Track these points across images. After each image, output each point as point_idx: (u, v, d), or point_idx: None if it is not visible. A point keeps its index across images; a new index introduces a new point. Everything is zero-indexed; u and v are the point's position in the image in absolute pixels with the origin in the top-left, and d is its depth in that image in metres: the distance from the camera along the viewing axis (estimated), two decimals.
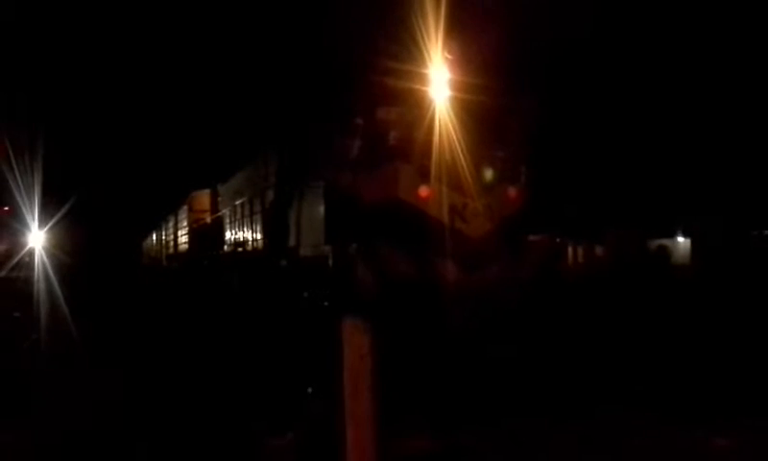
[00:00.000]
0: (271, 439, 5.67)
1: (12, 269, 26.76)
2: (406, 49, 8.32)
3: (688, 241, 20.63)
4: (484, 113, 8.68)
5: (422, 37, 8.22)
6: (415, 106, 8.55)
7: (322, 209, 9.57)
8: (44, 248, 29.58)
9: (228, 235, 16.90)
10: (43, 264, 24.41)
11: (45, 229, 33.00)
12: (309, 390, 6.90)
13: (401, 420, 5.37)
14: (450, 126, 8.37)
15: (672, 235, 20.76)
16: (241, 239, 15.29)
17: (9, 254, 30.04)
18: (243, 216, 15.09)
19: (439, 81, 8.44)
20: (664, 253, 20.34)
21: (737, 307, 12.16)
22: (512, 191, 8.88)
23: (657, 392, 7.11)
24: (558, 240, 11.72)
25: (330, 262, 9.15)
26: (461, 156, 8.36)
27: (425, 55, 8.29)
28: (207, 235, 19.45)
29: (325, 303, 9.29)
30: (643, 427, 6.06)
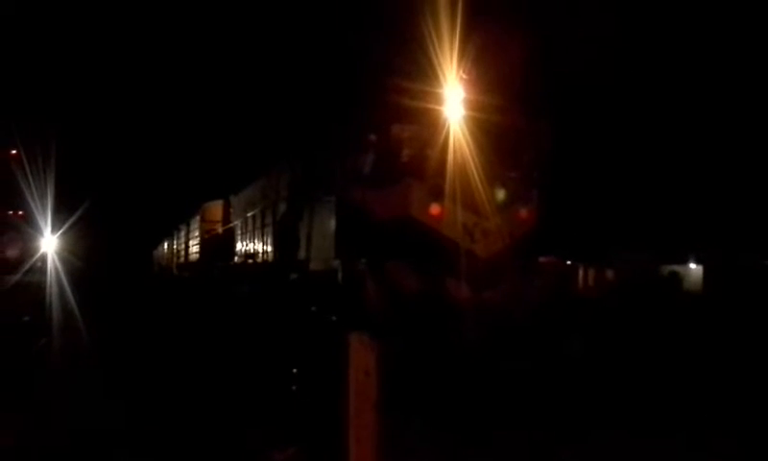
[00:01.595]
0: (273, 452, 5.66)
1: (26, 273, 26.97)
2: (422, 68, 8.38)
3: (701, 268, 20.50)
4: (497, 134, 8.70)
5: (438, 57, 8.28)
6: (429, 124, 8.59)
7: (333, 224, 9.59)
8: (57, 253, 29.81)
9: (239, 247, 16.96)
10: (56, 269, 24.60)
11: (58, 234, 33.29)
12: (313, 403, 6.90)
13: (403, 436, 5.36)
14: (464, 145, 8.40)
15: (684, 262, 20.65)
16: (252, 251, 15.33)
17: (22, 259, 30.30)
18: (254, 228, 15.14)
19: (453, 100, 8.48)
20: (676, 279, 20.22)
21: (747, 335, 12.06)
22: (523, 212, 8.87)
23: (658, 414, 7.05)
24: (568, 262, 11.68)
25: (340, 277, 9.15)
26: (473, 175, 8.38)
27: (441, 74, 8.35)
28: (218, 246, 19.52)
29: (333, 318, 9.28)
30: (641, 451, 6.01)
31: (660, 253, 18.81)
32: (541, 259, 9.48)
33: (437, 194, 8.38)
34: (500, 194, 8.75)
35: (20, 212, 33.08)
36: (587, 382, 8.01)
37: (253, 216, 15.25)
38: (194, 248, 24.16)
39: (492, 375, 7.37)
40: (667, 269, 20.24)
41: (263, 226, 14.20)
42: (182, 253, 27.89)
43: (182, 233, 27.98)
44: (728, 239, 18.68)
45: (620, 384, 8.10)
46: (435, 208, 8.39)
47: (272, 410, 6.97)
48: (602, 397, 7.49)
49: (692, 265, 20.58)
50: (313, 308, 10.20)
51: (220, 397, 7.61)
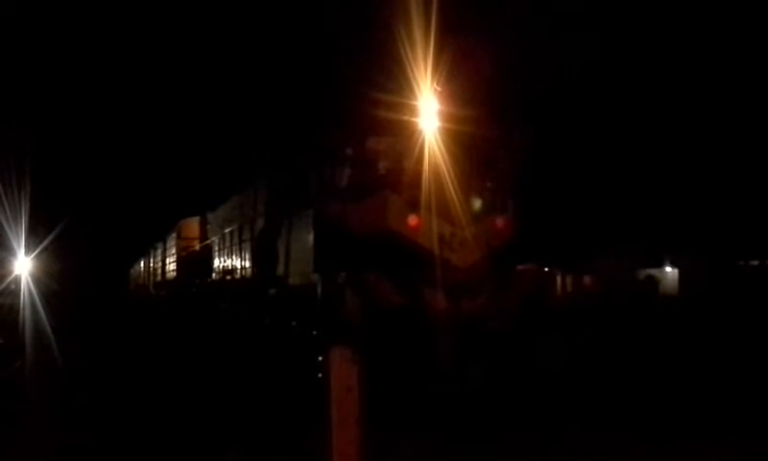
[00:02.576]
0: None
1: None
2: (396, 80, 8.43)
3: (676, 271, 20.78)
4: (472, 144, 8.77)
5: (412, 69, 8.33)
6: (404, 136, 8.63)
7: (311, 238, 9.56)
8: (31, 274, 29.29)
9: (217, 263, 16.84)
10: (29, 291, 24.16)
11: (32, 255, 32.72)
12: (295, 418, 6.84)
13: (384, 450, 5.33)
14: (439, 156, 8.44)
15: (660, 265, 20.92)
16: (230, 267, 15.23)
17: None
18: (232, 244, 15.06)
19: (428, 112, 8.53)
20: (652, 282, 20.48)
21: (722, 335, 12.25)
22: (500, 221, 8.93)
23: (636, 414, 7.11)
24: (546, 270, 11.77)
25: (319, 291, 9.12)
26: (449, 186, 8.42)
27: (415, 86, 8.39)
28: (196, 263, 19.37)
29: (314, 332, 9.24)
30: (621, 450, 6.06)
31: (637, 257, 19.04)
32: (519, 268, 9.54)
33: (414, 205, 8.41)
34: (476, 204, 8.81)
35: None
36: (567, 389, 8.05)
37: (231, 232, 15.17)
38: (171, 266, 23.94)
39: (470, 385, 7.39)
40: (644, 273, 20.49)
41: (241, 241, 14.12)
42: (159, 271, 27.62)
43: (159, 251, 27.72)
44: (702, 241, 18.98)
45: (601, 390, 8.16)
46: (412, 220, 8.42)
47: (251, 427, 6.90)
48: (583, 403, 7.53)
49: (668, 268, 20.88)
50: (293, 323, 10.15)
51: (198, 414, 7.51)
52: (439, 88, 8.45)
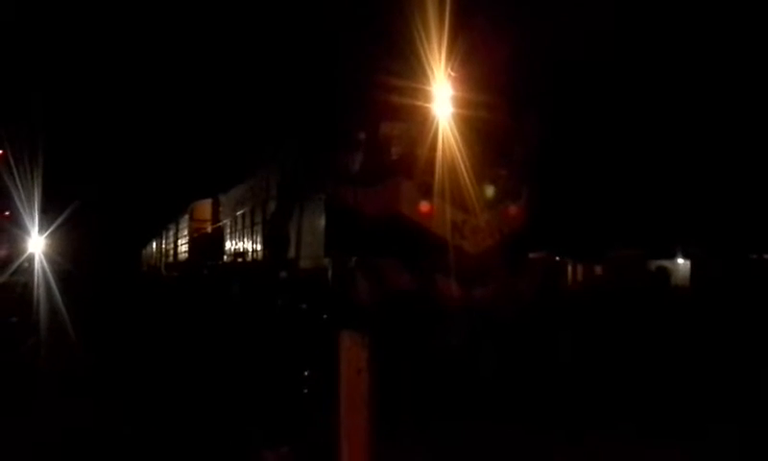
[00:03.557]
0: (267, 452, 5.65)
1: (12, 274, 26.75)
2: (410, 66, 8.38)
3: (688, 263, 20.65)
4: (486, 130, 8.72)
5: (426, 55, 8.28)
6: (417, 122, 8.59)
7: (322, 222, 9.57)
8: (44, 253, 29.59)
9: (229, 245, 16.91)
10: (43, 269, 24.42)
11: (45, 234, 33.03)
12: (306, 401, 6.89)
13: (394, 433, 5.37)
14: (453, 142, 8.40)
15: (672, 257, 20.80)
16: (241, 250, 15.29)
17: (8, 260, 30.04)
18: (244, 227, 15.11)
19: (442, 97, 8.48)
20: (664, 274, 20.36)
21: (734, 328, 12.17)
22: (513, 209, 8.89)
23: (646, 410, 7.09)
24: (558, 258, 11.72)
25: (330, 275, 9.14)
26: (462, 172, 8.39)
27: (429, 72, 8.35)
28: (208, 245, 19.46)
29: (324, 316, 9.28)
30: (632, 447, 6.05)
31: (649, 248, 18.93)
32: (532, 255, 9.51)
33: (426, 191, 8.38)
34: (489, 191, 8.76)
35: (6, 213, 32.79)
36: (578, 380, 8.05)
37: (243, 215, 15.21)
38: (183, 247, 24.07)
39: (481, 372, 7.39)
40: (655, 264, 20.39)
41: (253, 224, 14.17)
42: (171, 252, 27.77)
43: (171, 233, 27.86)
44: (714, 233, 18.83)
45: (612, 382, 8.14)
46: (424, 206, 8.39)
47: (264, 410, 6.96)
48: (594, 395, 7.52)
49: (680, 260, 20.75)
50: (303, 306, 10.19)
51: (212, 396, 7.58)
52: (453, 74, 8.40)
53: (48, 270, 24.49)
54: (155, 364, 9.52)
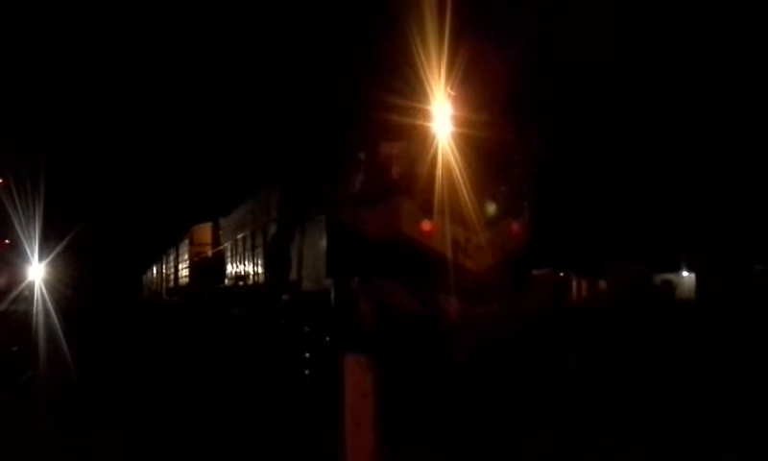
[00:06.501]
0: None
1: (12, 303, 26.61)
2: (409, 84, 8.36)
3: (693, 276, 20.55)
4: (486, 148, 8.68)
5: (425, 73, 8.27)
6: (418, 141, 8.56)
7: (324, 243, 9.51)
8: (44, 281, 29.48)
9: (230, 269, 16.84)
10: (43, 298, 24.30)
11: (45, 262, 32.97)
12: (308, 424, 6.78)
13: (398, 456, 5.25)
14: (453, 161, 8.36)
15: (677, 270, 20.71)
16: (242, 273, 15.22)
17: (8, 288, 29.93)
18: (245, 250, 15.05)
19: (441, 116, 8.46)
20: (669, 287, 20.24)
21: (739, 341, 12.06)
22: (515, 225, 8.83)
23: (656, 426, 6.99)
24: (561, 274, 11.63)
25: (332, 297, 9.05)
26: (463, 190, 8.34)
27: (428, 91, 8.33)
28: (208, 269, 19.39)
29: (327, 339, 9.18)
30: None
31: (653, 261, 18.85)
32: (535, 272, 9.42)
33: (427, 210, 8.33)
34: (491, 208, 8.71)
35: (6, 241, 32.78)
36: (583, 395, 7.93)
37: (243, 238, 15.16)
38: (183, 272, 24.00)
39: (486, 390, 7.29)
40: (660, 278, 20.28)
41: (253, 247, 14.11)
42: (172, 277, 27.70)
43: (171, 257, 27.82)
44: (719, 245, 18.75)
45: (617, 396, 8.03)
46: (426, 225, 8.34)
47: (266, 435, 6.84)
48: (598, 410, 7.41)
49: (685, 273, 20.66)
50: (306, 329, 10.09)
51: (212, 420, 7.47)
52: (453, 92, 8.38)
53: (48, 298, 24.36)
54: (156, 392, 9.39)
